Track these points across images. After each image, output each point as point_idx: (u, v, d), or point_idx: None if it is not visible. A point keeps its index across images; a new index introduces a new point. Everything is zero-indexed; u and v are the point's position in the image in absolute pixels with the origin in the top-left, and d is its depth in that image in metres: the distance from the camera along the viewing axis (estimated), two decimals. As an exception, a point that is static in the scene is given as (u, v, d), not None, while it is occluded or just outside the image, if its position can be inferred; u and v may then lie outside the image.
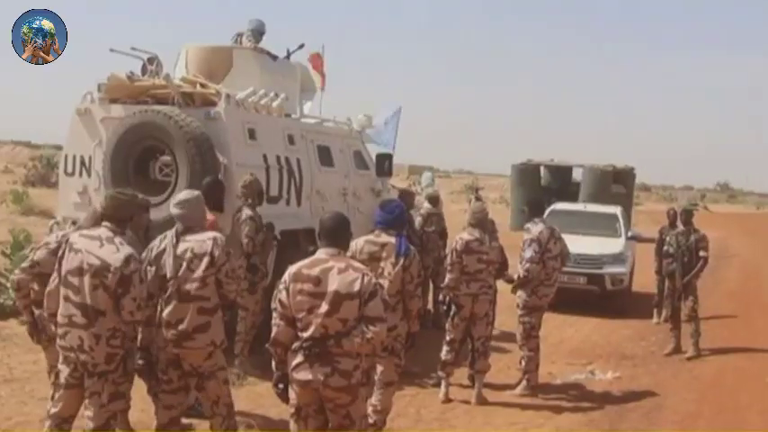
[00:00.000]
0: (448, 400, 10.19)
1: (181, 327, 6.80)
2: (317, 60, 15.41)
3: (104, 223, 6.65)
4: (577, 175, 34.56)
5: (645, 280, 17.86)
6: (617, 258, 17.28)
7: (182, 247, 6.86)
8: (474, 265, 10.02)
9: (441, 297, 10.17)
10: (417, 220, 13.70)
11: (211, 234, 6.98)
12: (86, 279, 6.40)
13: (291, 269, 6.06)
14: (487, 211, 10.61)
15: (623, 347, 13.91)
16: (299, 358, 5.93)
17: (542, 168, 35.15)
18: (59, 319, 6.57)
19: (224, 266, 6.85)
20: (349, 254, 7.70)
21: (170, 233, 6.95)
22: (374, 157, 14.24)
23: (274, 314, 6.09)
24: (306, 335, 5.90)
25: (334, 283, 5.90)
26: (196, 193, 7.22)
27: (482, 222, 10.28)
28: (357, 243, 7.93)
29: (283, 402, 6.27)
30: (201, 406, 7.38)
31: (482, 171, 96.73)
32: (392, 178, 15.29)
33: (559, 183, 34.11)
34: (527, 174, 34.35)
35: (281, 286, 6.04)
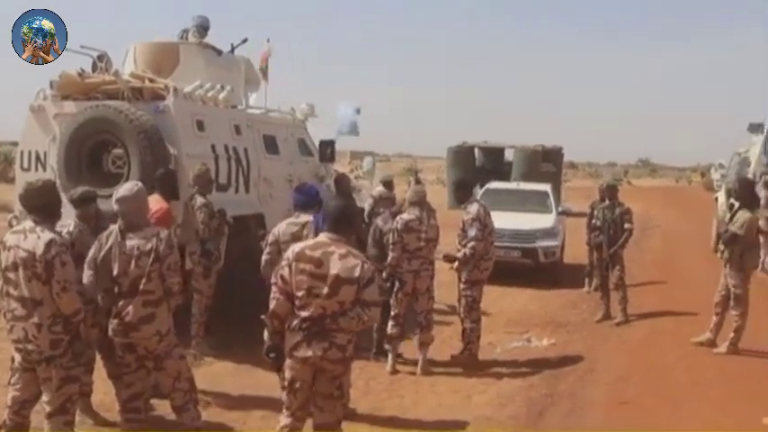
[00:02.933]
0: (395, 371, 10.30)
1: (127, 318, 6.79)
2: (265, 55, 15.38)
3: (30, 216, 6.62)
4: (509, 155, 34.91)
5: (575, 252, 18.08)
6: (548, 233, 17.52)
7: (128, 244, 6.80)
8: (414, 242, 10.19)
9: (384, 274, 10.27)
10: (369, 202, 13.87)
11: (155, 230, 6.94)
12: (20, 272, 6.41)
13: (295, 248, 6.22)
14: (425, 192, 10.76)
15: (557, 316, 14.10)
16: (297, 337, 6.08)
17: (476, 150, 35.39)
18: (5, 314, 6.57)
19: (167, 260, 6.84)
20: (272, 238, 7.91)
21: (114, 230, 6.90)
22: (317, 144, 14.28)
23: (274, 288, 6.20)
24: (304, 314, 6.05)
25: (335, 268, 6.04)
26: (136, 188, 7.08)
27: (421, 202, 10.43)
28: (279, 227, 8.09)
29: (274, 370, 6.47)
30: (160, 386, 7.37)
31: (420, 154, 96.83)
32: (335, 164, 15.34)
33: (493, 163, 34.40)
34: (462, 155, 34.57)
35: (284, 263, 6.17)
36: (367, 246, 10.87)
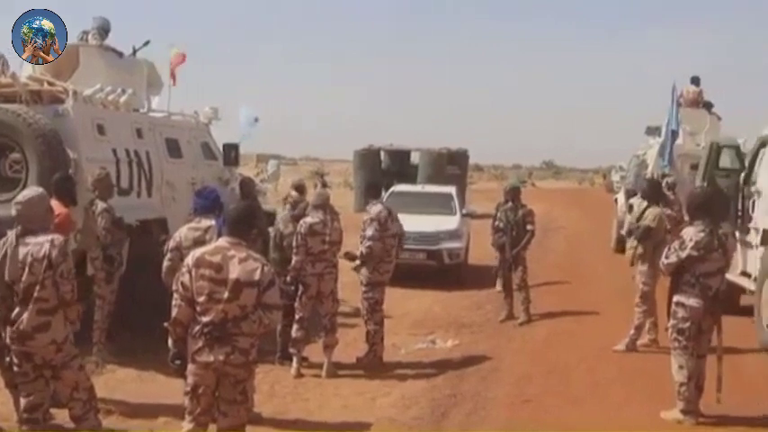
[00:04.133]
0: (300, 374, 10.30)
1: (21, 326, 6.65)
2: (178, 58, 15.22)
3: None
4: (415, 158, 35.08)
5: (481, 253, 18.31)
6: (453, 234, 17.71)
7: (22, 251, 6.66)
8: (318, 246, 10.25)
9: (288, 278, 10.28)
10: (287, 208, 13.81)
11: (49, 236, 6.78)
12: None
13: (195, 253, 6.17)
14: (328, 195, 10.88)
15: (462, 317, 14.26)
16: (199, 343, 6.04)
17: (382, 153, 35.48)
18: None
19: (60, 267, 6.70)
20: (173, 243, 7.86)
21: (11, 235, 6.76)
22: (221, 148, 14.20)
23: (175, 295, 6.13)
24: (206, 319, 6.01)
25: (235, 272, 6.02)
26: (37, 192, 6.95)
27: (325, 205, 10.52)
28: (180, 232, 8.05)
29: (179, 376, 6.41)
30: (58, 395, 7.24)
31: (327, 157, 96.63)
32: (241, 167, 15.28)
33: (399, 166, 34.52)
34: (368, 158, 34.62)
35: (184, 270, 6.11)
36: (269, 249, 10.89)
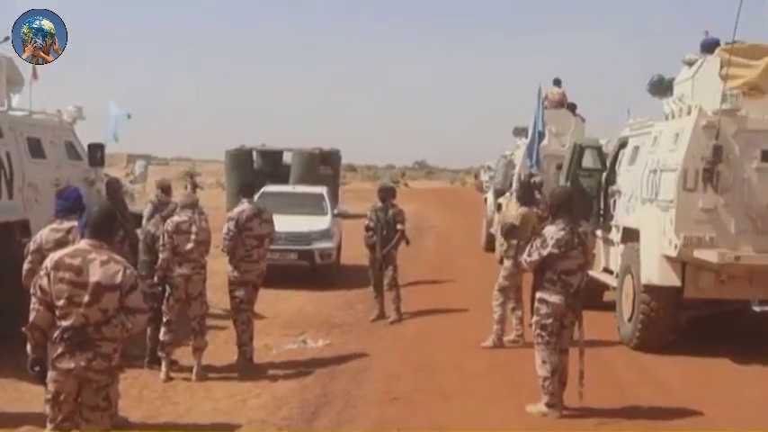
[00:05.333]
0: (169, 378, 10.18)
1: None
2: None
3: None
4: (288, 158, 35.00)
5: (353, 253, 18.40)
6: (324, 234, 17.76)
7: None
8: (185, 244, 10.18)
9: (155, 278, 10.16)
10: (148, 207, 13.60)
11: None
12: None
13: (54, 256, 5.99)
14: (197, 197, 10.80)
15: (333, 316, 14.32)
16: (60, 349, 5.87)
17: (255, 153, 35.27)
18: None
19: None
20: (34, 246, 7.69)
21: None
22: (86, 148, 13.88)
23: (34, 299, 5.94)
24: (66, 324, 5.84)
25: (96, 275, 5.86)
26: None
27: (193, 205, 10.47)
28: (41, 234, 7.90)
29: (39, 383, 6.22)
30: None
31: (200, 157, 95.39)
32: (112, 167, 14.98)
33: (271, 166, 34.36)
34: (240, 159, 34.34)
35: (42, 273, 5.92)
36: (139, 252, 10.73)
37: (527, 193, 12.15)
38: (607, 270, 13.77)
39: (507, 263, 11.71)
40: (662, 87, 13.15)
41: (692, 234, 10.82)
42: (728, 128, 10.91)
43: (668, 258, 11.11)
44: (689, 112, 11.37)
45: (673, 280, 11.16)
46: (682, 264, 11.12)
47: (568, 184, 14.08)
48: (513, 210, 11.91)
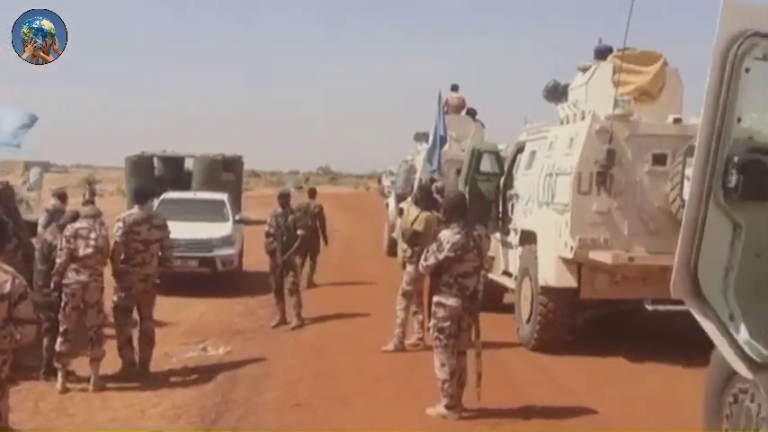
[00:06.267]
0: (66, 390, 9.94)
1: None
2: None
3: None
4: (190, 164, 34.57)
5: (255, 259, 18.29)
6: (226, 241, 17.65)
7: None
8: (83, 249, 9.98)
9: (52, 284, 9.96)
10: (44, 216, 13.32)
11: None
12: None
13: None
14: (101, 212, 10.69)
15: (235, 323, 14.21)
16: None
17: (155, 159, 34.74)
18: None
19: None
20: None
21: None
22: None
23: None
24: None
25: None
26: None
27: (95, 216, 10.33)
28: None
29: None
30: None
31: (102, 164, 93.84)
32: (9, 174, 14.63)
33: (173, 172, 33.87)
34: (141, 165, 33.76)
35: None
36: (35, 260, 10.51)
37: (426, 198, 12.22)
38: (506, 273, 13.96)
39: (410, 267, 11.77)
40: (557, 93, 13.41)
41: (586, 236, 11.03)
42: (621, 132, 11.16)
43: (564, 260, 11.31)
44: (583, 117, 11.59)
45: (569, 281, 11.37)
46: (578, 265, 11.33)
47: (467, 188, 14.21)
48: (413, 214, 11.97)
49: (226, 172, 32.56)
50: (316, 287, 18.05)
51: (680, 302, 4.79)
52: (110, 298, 10.78)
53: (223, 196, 19.93)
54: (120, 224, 10.54)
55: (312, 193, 19.92)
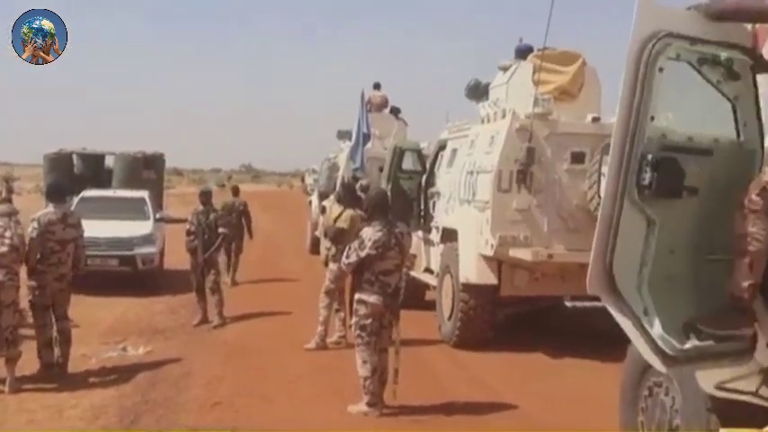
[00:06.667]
0: (-21, 392, 9.72)
1: None
2: None
3: None
4: (110, 162, 34.01)
5: (176, 258, 18.08)
6: (146, 239, 17.40)
7: None
8: None
9: None
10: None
11: None
12: None
13: None
14: (16, 210, 10.41)
15: (156, 322, 14.01)
16: None
17: (75, 157, 34.11)
18: None
19: None
20: None
21: None
22: None
23: None
24: None
25: None
26: None
27: (10, 214, 10.06)
28: None
29: None
30: None
31: (20, 161, 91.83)
32: None
33: (93, 170, 33.25)
34: (59, 163, 33.01)
35: None
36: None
37: (350, 195, 12.22)
38: (428, 270, 14.03)
39: (333, 265, 11.73)
40: (478, 92, 13.51)
41: (507, 234, 11.14)
42: (541, 131, 11.29)
43: (485, 257, 11.41)
44: (503, 116, 11.70)
45: (490, 278, 11.47)
46: (498, 262, 11.44)
47: (389, 186, 14.25)
48: (336, 212, 11.96)
49: (147, 170, 31.99)
50: (237, 285, 17.97)
51: (598, 299, 4.85)
52: (25, 297, 10.55)
53: (144, 194, 19.66)
54: (35, 224, 10.29)
55: (236, 191, 19.94)
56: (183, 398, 9.44)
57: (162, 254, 18.33)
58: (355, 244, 8.59)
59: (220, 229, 13.81)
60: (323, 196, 21.31)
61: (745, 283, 4.61)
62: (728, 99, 4.98)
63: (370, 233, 8.51)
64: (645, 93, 4.55)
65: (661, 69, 4.59)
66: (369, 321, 8.57)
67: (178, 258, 17.74)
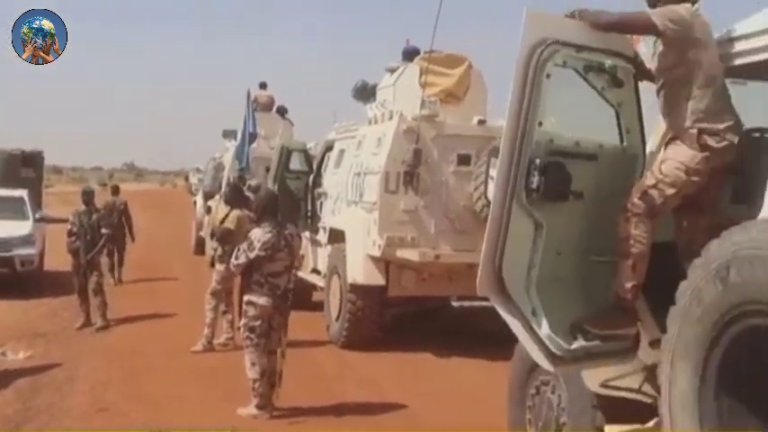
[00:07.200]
0: None
1: None
2: None
3: None
4: (-12, 160, 32.97)
5: (57, 259, 17.63)
6: (25, 240, 16.98)
7: None
8: None
9: None
10: None
11: None
12: None
13: None
14: None
15: (36, 326, 13.62)
16: None
17: (-57, 155, 32.95)
18: None
19: None
20: None
21: None
22: None
23: None
24: None
25: None
26: None
27: None
28: None
29: None
30: None
31: None
32: None
33: (-33, 169, 32.23)
34: None
35: None
36: None
37: (236, 196, 12.15)
38: (315, 271, 14.02)
39: (220, 266, 11.64)
40: (365, 93, 13.57)
41: (394, 234, 11.22)
42: (428, 133, 11.40)
43: (373, 258, 11.45)
44: (391, 118, 11.77)
45: (377, 279, 11.52)
46: (386, 263, 11.50)
47: (276, 186, 14.19)
48: (222, 212, 11.86)
49: (25, 168, 31.07)
50: (122, 284, 17.64)
51: (484, 299, 4.92)
52: None
53: (22, 193, 19.11)
54: None
55: (115, 190, 19.57)
56: (68, 404, 9.22)
57: (42, 255, 17.86)
58: (244, 245, 8.54)
59: (103, 230, 13.53)
60: (208, 196, 21.10)
61: (629, 284, 4.75)
62: (612, 105, 5.12)
63: (259, 234, 8.47)
64: (533, 98, 4.64)
65: (549, 76, 4.68)
66: (258, 323, 8.53)
67: (59, 260, 17.29)
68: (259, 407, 8.56)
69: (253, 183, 15.30)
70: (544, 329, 4.75)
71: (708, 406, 3.93)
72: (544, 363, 4.87)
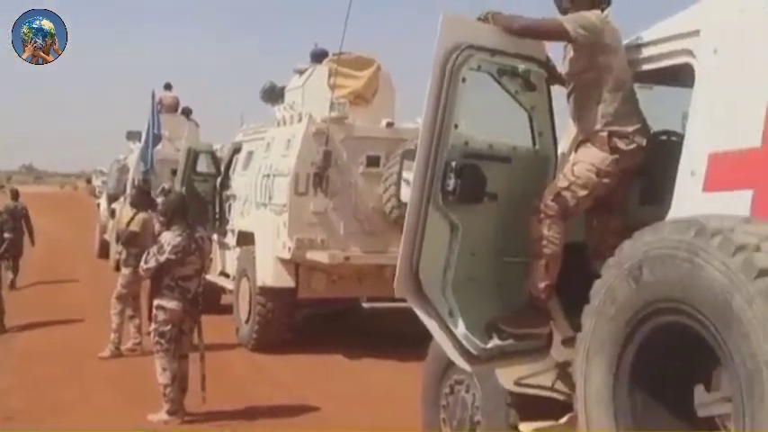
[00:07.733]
0: None
1: None
2: None
3: None
4: None
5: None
6: None
7: None
8: None
9: None
10: None
11: None
12: None
13: None
14: None
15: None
16: None
17: None
18: None
19: None
20: None
21: None
22: None
23: None
24: None
25: None
26: None
27: None
28: None
29: None
30: None
31: None
32: None
33: None
34: None
35: None
36: None
37: (141, 198, 12.01)
38: (224, 273, 13.91)
39: (126, 270, 11.48)
40: (274, 95, 13.50)
41: (304, 236, 11.19)
42: (337, 135, 11.41)
43: (282, 260, 11.42)
44: (300, 120, 11.75)
45: (287, 281, 11.50)
46: (295, 265, 11.48)
47: (183, 188, 14.03)
48: (128, 215, 11.70)
49: None
50: (18, 289, 17.21)
51: (394, 300, 4.96)
52: None
53: None
54: None
55: (15, 195, 18.98)
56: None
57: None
58: (154, 249, 8.43)
59: (6, 234, 13.22)
60: (112, 199, 20.75)
61: (542, 284, 4.84)
62: (525, 109, 5.21)
63: (169, 238, 8.37)
64: (449, 102, 4.68)
65: (464, 79, 4.73)
66: (168, 328, 8.43)
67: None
68: (170, 412, 8.45)
69: (166, 186, 15.14)
70: (460, 329, 4.81)
71: (622, 401, 4.01)
72: (461, 362, 4.93)
